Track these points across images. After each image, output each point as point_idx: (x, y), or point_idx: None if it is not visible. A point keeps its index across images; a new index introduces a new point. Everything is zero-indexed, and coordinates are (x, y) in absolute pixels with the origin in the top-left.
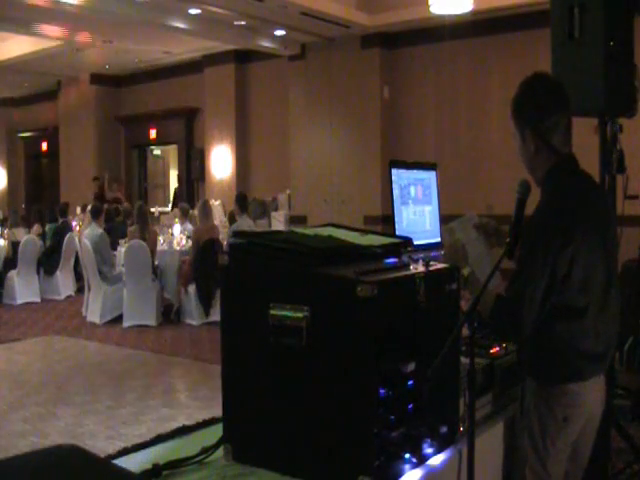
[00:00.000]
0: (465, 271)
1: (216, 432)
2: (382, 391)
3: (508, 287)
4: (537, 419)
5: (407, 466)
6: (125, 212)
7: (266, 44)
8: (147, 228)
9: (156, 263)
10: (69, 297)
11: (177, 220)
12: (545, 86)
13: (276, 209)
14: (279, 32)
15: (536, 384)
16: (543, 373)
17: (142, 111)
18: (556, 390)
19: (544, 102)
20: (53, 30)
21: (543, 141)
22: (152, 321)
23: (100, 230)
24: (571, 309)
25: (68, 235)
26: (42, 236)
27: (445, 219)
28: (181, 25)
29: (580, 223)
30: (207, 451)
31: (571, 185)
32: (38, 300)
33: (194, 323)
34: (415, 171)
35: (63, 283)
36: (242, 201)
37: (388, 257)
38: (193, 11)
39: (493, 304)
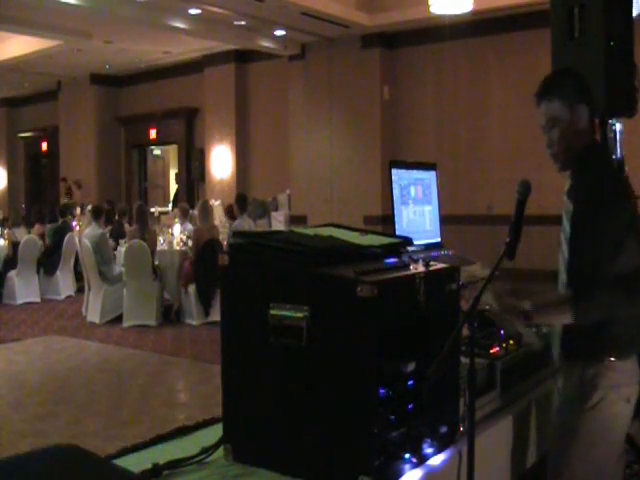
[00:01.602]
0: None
1: (216, 432)
2: (382, 391)
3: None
4: (598, 402)
5: (407, 466)
6: (120, 211)
7: (266, 44)
8: (147, 228)
9: (156, 263)
10: (69, 297)
11: (177, 220)
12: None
13: (276, 209)
14: (279, 32)
15: (584, 368)
16: (591, 351)
17: (142, 111)
18: (610, 369)
19: (586, 83)
20: (53, 30)
21: (591, 118)
22: (152, 321)
23: (100, 230)
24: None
25: (68, 235)
26: (42, 236)
27: (445, 219)
28: (181, 25)
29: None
30: (207, 451)
31: (612, 162)
32: (38, 300)
33: (194, 323)
34: (415, 171)
35: (63, 283)
36: (242, 202)
37: (388, 257)
38: (193, 11)
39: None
